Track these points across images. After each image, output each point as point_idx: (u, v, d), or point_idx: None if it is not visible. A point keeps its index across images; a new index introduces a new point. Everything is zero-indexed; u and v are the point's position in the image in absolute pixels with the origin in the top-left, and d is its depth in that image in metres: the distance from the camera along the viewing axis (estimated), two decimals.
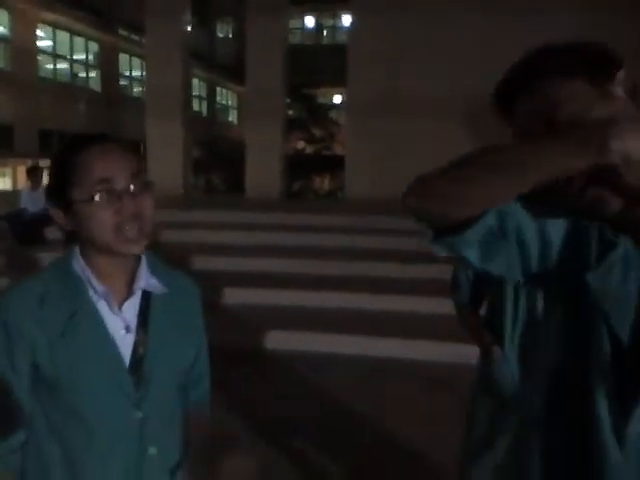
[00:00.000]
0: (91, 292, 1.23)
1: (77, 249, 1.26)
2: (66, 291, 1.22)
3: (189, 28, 12.74)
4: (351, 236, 7.48)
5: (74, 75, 22.28)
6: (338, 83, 14.73)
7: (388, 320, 5.62)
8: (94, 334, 1.21)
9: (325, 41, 27.46)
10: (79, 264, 1.24)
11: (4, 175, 20.07)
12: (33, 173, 8.41)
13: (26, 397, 1.24)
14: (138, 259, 1.29)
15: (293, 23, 22.81)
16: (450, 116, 10.56)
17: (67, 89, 21.26)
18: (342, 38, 21.62)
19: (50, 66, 20.95)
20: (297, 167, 16.78)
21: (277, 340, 5.34)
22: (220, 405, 4.19)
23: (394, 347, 5.12)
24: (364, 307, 5.89)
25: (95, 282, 1.23)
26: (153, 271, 1.31)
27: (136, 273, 1.28)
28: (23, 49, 18.88)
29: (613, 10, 9.53)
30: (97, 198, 1.16)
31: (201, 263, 6.76)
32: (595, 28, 9.63)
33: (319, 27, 28.04)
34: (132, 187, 1.19)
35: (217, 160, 19.66)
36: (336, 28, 27.04)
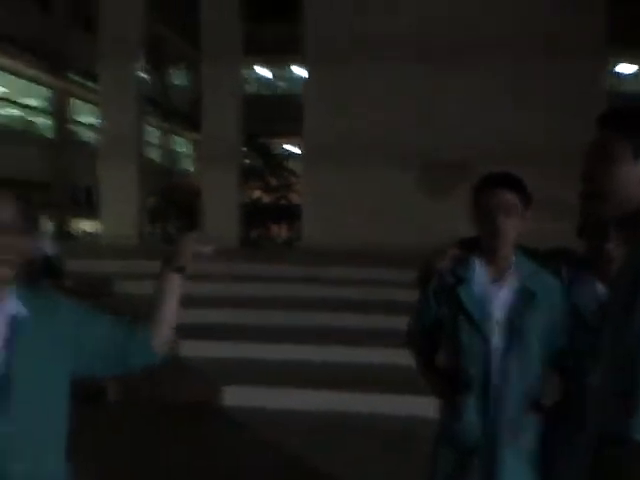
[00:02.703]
0: None
1: None
2: None
3: (143, 74, 12.78)
4: (307, 286, 7.45)
5: (25, 121, 21.97)
6: (294, 133, 14.94)
7: (344, 372, 5.54)
8: None
9: (280, 91, 27.93)
10: None
11: None
12: None
13: None
14: (6, 288, 1.39)
15: (249, 73, 23.18)
16: (402, 166, 10.81)
17: (17, 135, 20.90)
18: (297, 88, 22.05)
19: (0, 112, 20.64)
20: (254, 216, 16.78)
21: (230, 394, 5.20)
22: (174, 459, 4.06)
23: (349, 401, 5.03)
24: (319, 359, 5.80)
25: None
26: (20, 297, 1.41)
27: (3, 299, 1.38)
28: None
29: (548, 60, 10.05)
30: None
31: None
32: (531, 78, 10.20)
33: (275, 77, 28.56)
34: (8, 223, 1.33)
35: (172, 208, 19.50)
36: (291, 79, 27.59)
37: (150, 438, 4.43)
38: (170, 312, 1.58)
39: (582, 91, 9.73)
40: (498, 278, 1.98)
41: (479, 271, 2.00)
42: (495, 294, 1.97)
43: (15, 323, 1.39)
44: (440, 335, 2.12)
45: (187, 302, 6.05)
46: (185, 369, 5.64)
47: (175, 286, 1.58)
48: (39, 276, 6.26)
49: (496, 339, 1.94)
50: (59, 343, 1.46)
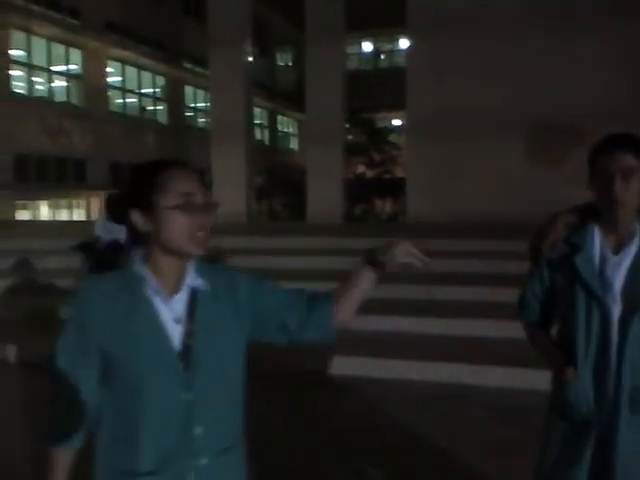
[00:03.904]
0: (147, 288, 1.44)
1: (138, 253, 1.48)
2: (127, 287, 1.44)
3: (250, 58, 13.09)
4: None
5: (142, 108, 23.23)
6: (397, 106, 14.77)
7: (454, 345, 5.52)
8: (149, 323, 1.43)
9: (383, 65, 27.65)
10: (138, 265, 1.47)
11: (78, 206, 21.04)
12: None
13: (93, 389, 1.46)
14: (187, 262, 1.49)
15: (351, 49, 23.09)
16: (510, 135, 10.42)
17: (136, 122, 22.18)
18: (400, 61, 21.72)
19: (120, 101, 21.94)
20: (358, 191, 16.83)
21: (343, 365, 5.33)
22: (291, 426, 4.22)
23: (461, 372, 5.02)
24: (430, 331, 5.81)
25: (150, 279, 1.44)
26: (199, 272, 1.51)
27: (185, 273, 1.48)
28: (95, 85, 19.89)
29: None
30: (182, 207, 1.40)
31: None
32: None
33: (376, 51, 28.29)
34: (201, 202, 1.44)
35: (279, 186, 19.99)
36: (393, 52, 27.21)
37: (267, 405, 4.59)
38: (355, 299, 1.61)
39: None
40: (619, 247, 1.88)
41: (597, 239, 1.90)
42: (615, 262, 1.87)
43: (196, 296, 1.48)
44: (554, 306, 2.06)
45: (298, 276, 6.22)
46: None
47: (367, 278, 1.58)
48: None
49: (615, 309, 1.85)
50: (237, 314, 1.54)
